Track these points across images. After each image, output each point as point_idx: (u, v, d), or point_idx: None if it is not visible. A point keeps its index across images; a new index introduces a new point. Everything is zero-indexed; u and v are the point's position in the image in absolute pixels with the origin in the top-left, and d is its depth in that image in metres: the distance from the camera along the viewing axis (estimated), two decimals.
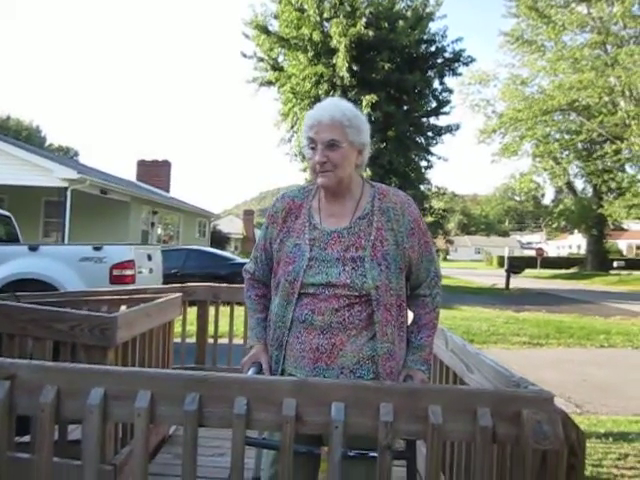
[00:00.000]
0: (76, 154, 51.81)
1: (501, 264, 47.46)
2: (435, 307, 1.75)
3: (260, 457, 1.74)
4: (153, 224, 20.14)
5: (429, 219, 21.16)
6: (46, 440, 1.30)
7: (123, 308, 3.35)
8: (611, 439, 4.13)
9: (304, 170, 19.69)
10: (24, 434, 2.41)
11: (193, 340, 4.48)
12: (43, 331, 2.54)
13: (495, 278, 27.82)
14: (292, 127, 19.83)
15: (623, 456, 3.74)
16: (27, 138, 37.79)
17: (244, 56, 20.27)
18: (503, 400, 1.26)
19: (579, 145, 32.50)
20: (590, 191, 36.40)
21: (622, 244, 57.62)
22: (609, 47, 28.02)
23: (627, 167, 29.70)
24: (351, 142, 1.65)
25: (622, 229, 51.54)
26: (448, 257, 75.53)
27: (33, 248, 6.97)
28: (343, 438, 1.23)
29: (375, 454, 1.27)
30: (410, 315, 1.77)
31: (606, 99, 27.29)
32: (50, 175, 13.28)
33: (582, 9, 28.81)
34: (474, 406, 1.24)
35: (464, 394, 1.32)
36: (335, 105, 1.68)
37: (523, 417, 1.22)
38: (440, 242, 40.64)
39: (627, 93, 27.04)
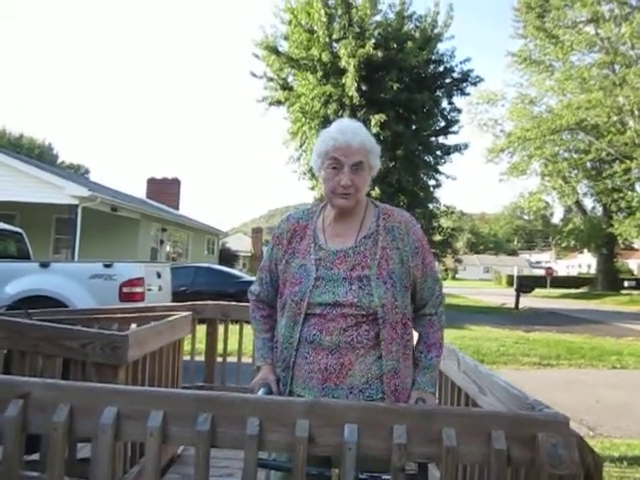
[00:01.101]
0: (87, 172, 52.22)
1: (510, 283, 47.14)
2: (442, 326, 1.78)
3: (269, 478, 1.72)
4: (162, 241, 20.23)
5: (437, 238, 21.08)
6: (58, 459, 1.30)
7: (133, 326, 3.35)
8: (625, 463, 4.06)
9: (312, 188, 19.73)
10: (32, 452, 2.40)
11: (202, 358, 4.46)
12: (54, 349, 2.54)
13: (504, 297, 27.58)
14: (301, 146, 19.94)
15: None
16: (39, 156, 38.15)
17: (254, 76, 20.46)
18: (518, 423, 1.25)
19: (588, 164, 32.45)
20: (600, 210, 36.20)
21: (632, 264, 57.08)
22: (617, 67, 28.10)
23: (637, 186, 29.58)
24: (370, 166, 1.71)
25: (632, 249, 51.20)
26: (457, 276, 75.12)
27: (44, 265, 7.02)
28: (356, 460, 1.22)
29: (387, 477, 1.25)
30: (415, 335, 1.77)
31: (615, 118, 27.29)
32: (61, 192, 13.42)
33: (590, 29, 29.00)
34: (489, 429, 1.23)
35: (479, 417, 1.31)
36: (359, 129, 1.71)
37: (538, 440, 1.21)
38: (449, 261, 40.44)
39: (636, 112, 27.04)
